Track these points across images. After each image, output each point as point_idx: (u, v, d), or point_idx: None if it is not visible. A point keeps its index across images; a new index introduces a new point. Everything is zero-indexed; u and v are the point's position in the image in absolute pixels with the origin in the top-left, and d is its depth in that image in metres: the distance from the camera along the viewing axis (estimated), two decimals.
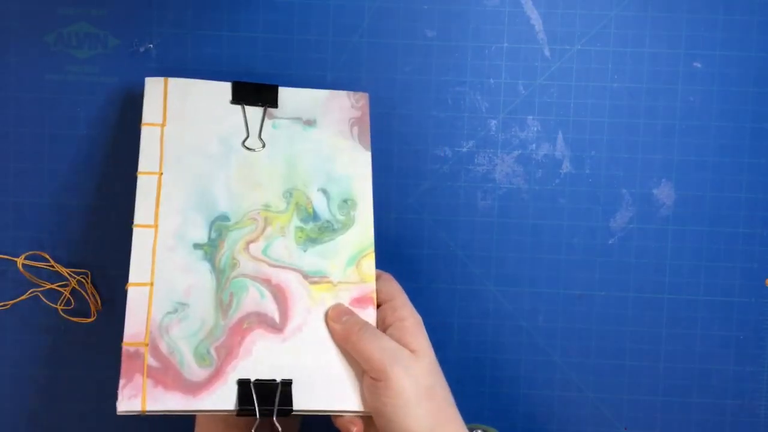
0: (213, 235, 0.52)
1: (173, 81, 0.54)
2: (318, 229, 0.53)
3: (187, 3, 0.57)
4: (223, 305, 0.50)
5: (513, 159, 0.58)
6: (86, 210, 0.58)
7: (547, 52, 0.58)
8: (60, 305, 0.57)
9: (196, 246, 0.51)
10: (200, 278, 0.51)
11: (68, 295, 0.57)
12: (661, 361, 0.58)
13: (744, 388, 0.58)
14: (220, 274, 0.51)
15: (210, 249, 0.51)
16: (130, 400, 0.47)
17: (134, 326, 0.49)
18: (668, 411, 0.58)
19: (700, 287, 0.58)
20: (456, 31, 0.57)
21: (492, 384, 0.58)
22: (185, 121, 0.54)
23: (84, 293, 0.57)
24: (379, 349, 0.47)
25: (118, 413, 0.46)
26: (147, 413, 0.47)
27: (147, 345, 0.48)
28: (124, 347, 0.48)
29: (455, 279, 0.58)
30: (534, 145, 0.58)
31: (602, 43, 0.57)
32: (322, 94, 0.56)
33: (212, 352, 0.49)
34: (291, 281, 0.51)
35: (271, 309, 0.51)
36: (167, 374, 0.48)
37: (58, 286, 0.57)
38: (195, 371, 0.48)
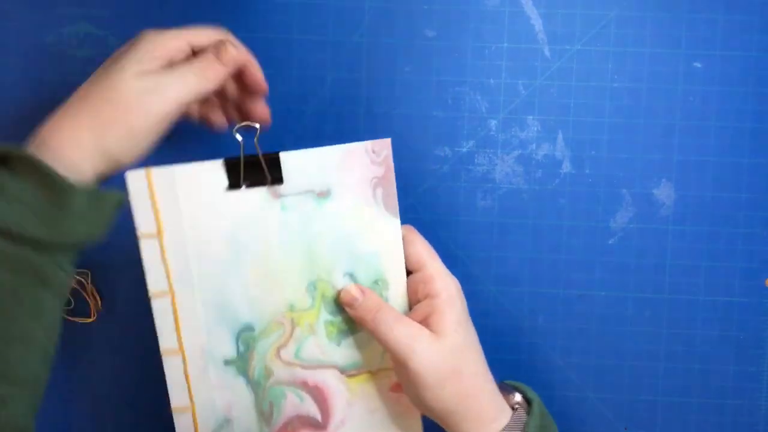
0: (241, 348, 0.49)
1: (157, 172, 0.47)
2: (350, 319, 0.49)
3: (187, 3, 0.57)
4: (264, 415, 0.50)
5: (513, 159, 0.58)
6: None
7: (547, 52, 0.58)
8: None
9: (227, 362, 0.49)
10: (238, 393, 0.50)
11: (68, 295, 0.57)
12: (661, 361, 0.58)
13: (744, 388, 0.58)
14: (256, 386, 0.50)
15: (241, 363, 0.50)
16: None
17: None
18: (668, 411, 0.58)
19: (700, 287, 0.58)
20: (456, 31, 0.57)
21: None
22: (183, 224, 0.47)
23: (84, 293, 0.57)
24: (396, 336, 0.46)
25: None
26: None
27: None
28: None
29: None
30: (534, 145, 0.58)
31: (602, 43, 0.57)
32: (335, 153, 0.47)
33: None
34: (328, 379, 0.50)
35: (312, 410, 0.50)
36: None
37: None
38: None
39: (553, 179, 0.58)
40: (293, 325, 0.49)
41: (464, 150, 0.58)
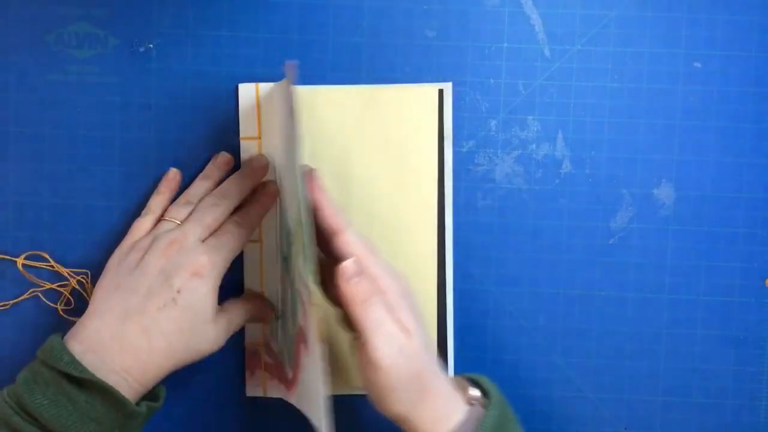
0: (285, 249, 0.54)
1: (263, 86, 0.56)
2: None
3: (187, 3, 0.57)
4: (293, 314, 0.53)
5: (513, 159, 0.58)
6: (86, 210, 0.58)
7: (547, 52, 0.58)
8: (60, 305, 0.57)
9: (283, 259, 0.55)
10: (287, 288, 0.54)
11: (68, 295, 0.57)
12: (661, 361, 0.58)
13: (744, 388, 0.58)
14: (291, 285, 0.53)
15: (287, 262, 0.53)
16: (254, 388, 0.58)
17: (253, 329, 0.57)
18: (668, 411, 0.58)
19: (700, 287, 0.58)
20: (456, 31, 0.57)
21: None
22: (273, 132, 0.56)
23: (84, 293, 0.57)
24: (377, 334, 0.45)
25: (247, 395, 0.58)
26: (267, 396, 0.58)
27: (263, 346, 0.57)
28: (247, 346, 0.57)
29: (455, 279, 0.58)
30: (534, 145, 0.58)
31: (602, 43, 0.57)
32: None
33: (292, 355, 0.53)
34: (305, 297, 0.50)
35: (305, 324, 0.51)
36: (277, 369, 0.56)
37: (58, 286, 0.57)
38: (288, 370, 0.55)
39: (553, 179, 0.58)
40: (296, 239, 0.50)
41: (464, 150, 0.58)
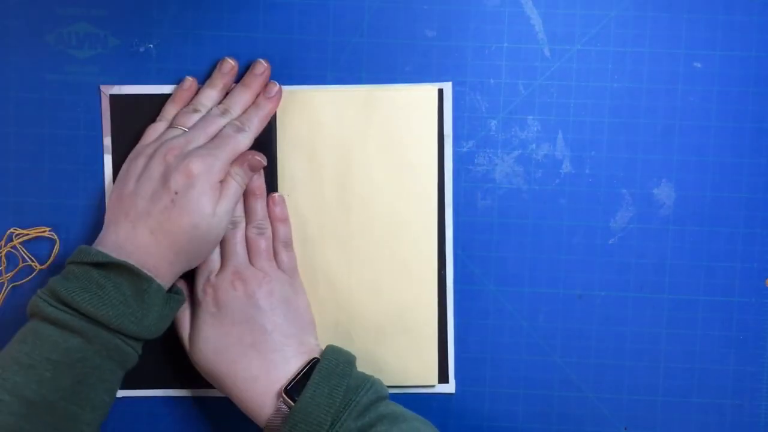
0: None
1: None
2: None
3: (187, 3, 0.57)
4: None
5: (513, 159, 0.58)
6: (87, 210, 0.58)
7: (547, 52, 0.58)
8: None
9: None
10: None
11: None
12: (661, 361, 0.58)
13: (744, 388, 0.58)
14: None
15: None
16: None
17: None
18: (668, 411, 0.58)
19: (700, 287, 0.58)
20: (456, 31, 0.57)
21: (492, 384, 0.58)
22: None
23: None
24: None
25: None
26: None
27: None
28: None
29: (455, 279, 0.58)
30: (534, 145, 0.58)
31: (602, 43, 0.57)
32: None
33: None
34: None
35: None
36: None
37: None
38: None
39: (553, 179, 0.58)
40: None
41: (464, 150, 0.58)
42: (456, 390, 0.58)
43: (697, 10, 0.57)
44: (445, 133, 0.57)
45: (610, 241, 0.58)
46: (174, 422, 0.59)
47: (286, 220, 0.57)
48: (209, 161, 0.51)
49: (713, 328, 0.58)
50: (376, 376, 0.53)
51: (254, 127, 0.55)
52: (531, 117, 0.58)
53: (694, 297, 0.58)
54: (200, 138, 0.53)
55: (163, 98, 0.56)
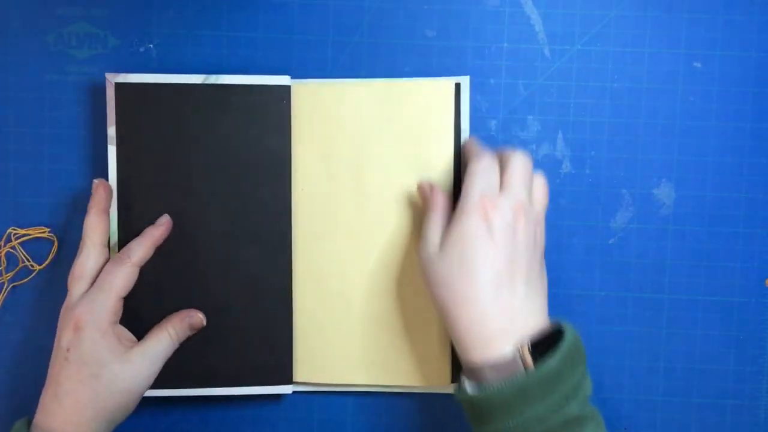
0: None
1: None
2: None
3: (187, 3, 0.57)
4: None
5: None
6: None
7: (547, 52, 0.58)
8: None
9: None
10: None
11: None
12: (661, 361, 0.58)
13: (744, 388, 0.58)
14: None
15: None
16: None
17: None
18: (668, 411, 0.58)
19: (700, 287, 0.58)
20: (456, 31, 0.57)
21: None
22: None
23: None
24: (422, 235, 0.52)
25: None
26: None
27: None
28: None
29: None
30: (534, 145, 0.58)
31: (602, 43, 0.57)
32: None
33: None
34: None
35: None
36: None
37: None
38: None
39: (553, 179, 0.58)
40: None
41: None
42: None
43: (697, 10, 0.57)
44: (462, 128, 0.57)
45: (610, 241, 0.58)
46: (175, 423, 0.59)
47: None
48: (92, 307, 0.50)
49: (713, 328, 0.58)
50: (387, 376, 0.53)
51: (137, 256, 0.52)
52: (531, 117, 0.58)
53: (694, 297, 0.58)
54: (77, 285, 0.52)
55: (174, 88, 0.55)
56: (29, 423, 0.50)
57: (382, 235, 0.56)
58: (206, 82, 0.55)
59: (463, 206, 0.49)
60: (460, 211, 0.49)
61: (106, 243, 0.53)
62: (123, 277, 0.51)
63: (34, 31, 0.57)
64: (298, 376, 0.57)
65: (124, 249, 0.53)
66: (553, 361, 0.46)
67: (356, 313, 0.57)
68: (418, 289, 0.56)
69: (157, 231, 0.54)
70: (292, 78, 0.56)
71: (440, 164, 0.56)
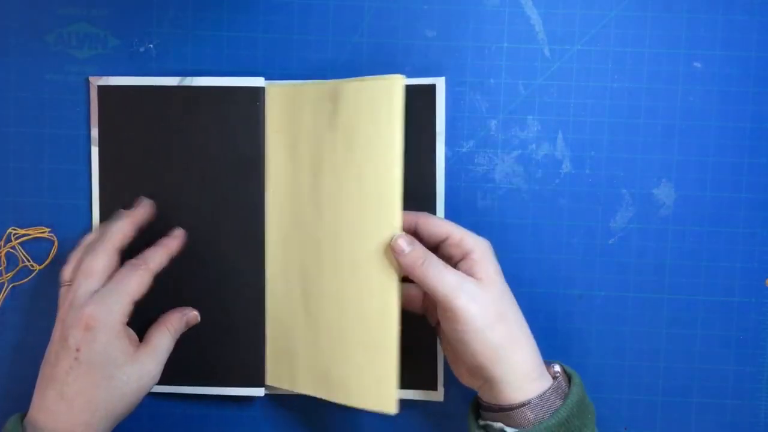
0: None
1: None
2: None
3: (187, 3, 0.57)
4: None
5: (513, 159, 0.58)
6: (86, 211, 0.58)
7: (547, 52, 0.58)
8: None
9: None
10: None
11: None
12: (661, 361, 0.58)
13: (744, 388, 0.58)
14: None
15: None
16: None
17: None
18: (668, 411, 0.58)
19: (700, 287, 0.58)
20: (456, 31, 0.57)
21: None
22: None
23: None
24: (443, 282, 0.48)
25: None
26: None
27: None
28: None
29: None
30: (534, 145, 0.58)
31: (602, 43, 0.57)
32: None
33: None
34: None
35: None
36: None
37: None
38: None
39: (553, 179, 0.58)
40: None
41: (464, 150, 0.58)
42: (444, 398, 0.58)
43: (697, 10, 0.57)
44: (437, 131, 0.57)
45: (610, 241, 0.58)
46: (174, 422, 0.59)
47: None
48: (104, 308, 0.49)
49: (713, 328, 0.58)
50: (334, 393, 0.53)
51: (154, 263, 0.52)
52: (531, 117, 0.58)
53: (694, 297, 0.58)
54: (86, 282, 0.50)
55: (153, 90, 0.56)
56: (22, 418, 0.49)
57: (334, 243, 0.52)
58: (182, 84, 0.56)
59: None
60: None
61: (122, 252, 0.53)
62: (139, 281, 0.51)
63: (34, 31, 0.57)
64: (270, 379, 0.57)
65: (140, 256, 0.52)
66: (575, 387, 0.49)
67: (312, 323, 0.54)
68: (363, 302, 0.51)
69: (173, 242, 0.54)
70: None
71: (385, 169, 0.50)
